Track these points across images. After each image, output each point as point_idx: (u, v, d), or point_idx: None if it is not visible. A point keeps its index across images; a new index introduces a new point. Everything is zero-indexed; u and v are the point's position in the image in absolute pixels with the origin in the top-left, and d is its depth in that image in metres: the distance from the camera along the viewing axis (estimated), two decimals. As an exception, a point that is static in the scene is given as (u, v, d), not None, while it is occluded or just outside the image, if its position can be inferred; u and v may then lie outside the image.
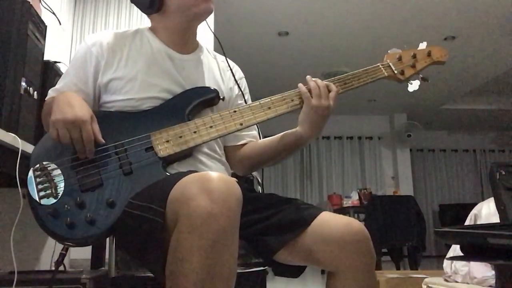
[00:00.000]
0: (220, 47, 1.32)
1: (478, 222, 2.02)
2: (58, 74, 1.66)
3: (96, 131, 1.01)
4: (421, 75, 1.26)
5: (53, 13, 2.17)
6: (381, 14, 4.33)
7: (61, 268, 1.79)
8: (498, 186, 1.34)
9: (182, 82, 1.16)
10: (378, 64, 1.24)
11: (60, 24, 2.40)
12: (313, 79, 1.14)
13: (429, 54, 1.26)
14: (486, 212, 2.00)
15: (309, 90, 1.12)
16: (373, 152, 7.63)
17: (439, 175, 8.34)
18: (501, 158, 8.54)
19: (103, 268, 2.04)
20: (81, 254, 2.31)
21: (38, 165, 0.99)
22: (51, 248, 1.89)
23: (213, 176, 0.80)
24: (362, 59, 5.31)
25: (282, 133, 1.21)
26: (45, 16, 2.00)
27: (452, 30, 4.66)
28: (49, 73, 1.62)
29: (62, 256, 0.99)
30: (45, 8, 2.09)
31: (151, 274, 0.97)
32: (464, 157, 8.50)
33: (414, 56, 1.25)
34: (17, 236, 1.21)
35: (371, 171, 7.55)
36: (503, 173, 1.35)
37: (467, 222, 2.13)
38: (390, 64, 1.24)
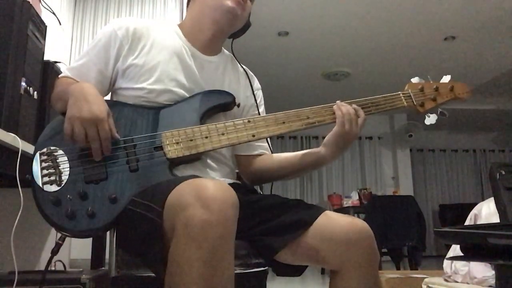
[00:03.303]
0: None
1: (478, 222, 2.02)
2: (58, 74, 1.66)
3: (112, 127, 0.98)
4: (439, 109, 1.26)
5: (53, 13, 2.18)
6: (381, 14, 4.32)
7: (61, 268, 1.80)
8: (498, 186, 1.34)
9: (200, 81, 1.16)
10: (399, 92, 1.24)
11: (60, 24, 2.40)
12: (343, 103, 1.15)
13: (451, 89, 1.26)
14: (486, 212, 2.00)
15: (341, 114, 1.13)
16: (373, 152, 7.63)
17: (439, 175, 8.33)
18: (501, 158, 8.54)
19: (103, 268, 2.04)
20: (81, 254, 2.31)
21: (45, 149, 0.96)
22: (51, 248, 1.88)
23: (208, 184, 0.79)
24: (362, 59, 5.32)
25: (303, 152, 1.21)
26: (45, 16, 2.00)
27: (452, 30, 4.65)
28: (49, 73, 1.62)
29: (58, 245, 0.98)
30: (45, 8, 2.09)
31: (152, 274, 0.96)
32: (464, 157, 8.50)
33: (436, 89, 1.25)
34: (18, 236, 1.21)
35: (371, 171, 7.54)
36: (503, 173, 1.35)
37: (467, 222, 2.13)
38: (411, 94, 1.24)
